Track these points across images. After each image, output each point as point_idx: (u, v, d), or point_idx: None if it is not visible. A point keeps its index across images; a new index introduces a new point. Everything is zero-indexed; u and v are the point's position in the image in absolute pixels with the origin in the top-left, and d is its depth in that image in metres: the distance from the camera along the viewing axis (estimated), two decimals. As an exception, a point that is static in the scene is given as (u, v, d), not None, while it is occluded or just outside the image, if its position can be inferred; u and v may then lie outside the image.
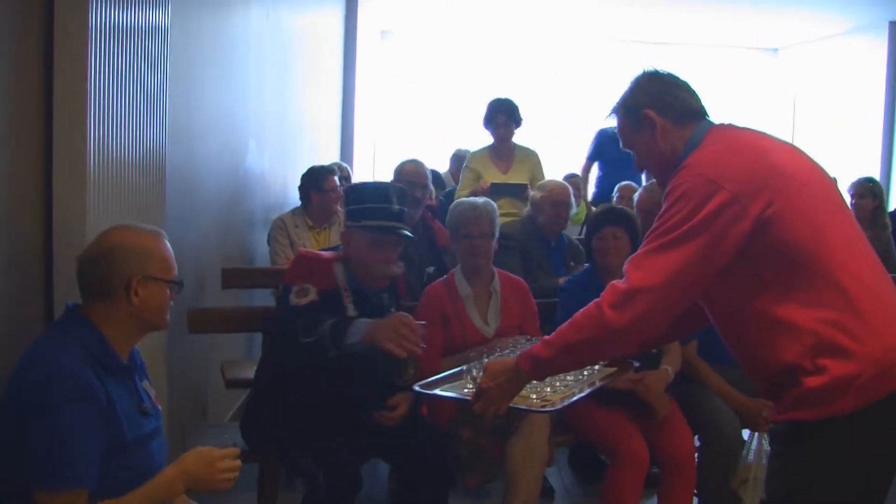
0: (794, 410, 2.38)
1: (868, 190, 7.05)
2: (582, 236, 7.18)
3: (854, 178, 7.32)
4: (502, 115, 6.89)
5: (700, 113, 2.75)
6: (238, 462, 2.63)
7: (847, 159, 12.13)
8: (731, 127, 2.73)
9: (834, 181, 2.68)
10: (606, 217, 4.53)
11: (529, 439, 4.01)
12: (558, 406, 3.14)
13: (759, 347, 2.49)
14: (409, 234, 3.88)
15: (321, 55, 10.07)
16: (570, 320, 2.63)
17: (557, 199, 5.62)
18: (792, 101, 15.29)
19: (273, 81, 7.13)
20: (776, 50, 16.27)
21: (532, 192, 5.83)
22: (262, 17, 6.64)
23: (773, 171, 2.46)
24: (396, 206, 3.78)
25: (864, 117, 12.70)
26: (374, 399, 3.86)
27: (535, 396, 3.15)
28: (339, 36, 11.37)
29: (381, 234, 3.74)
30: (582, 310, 2.60)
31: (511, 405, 2.88)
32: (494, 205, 4.56)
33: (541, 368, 2.73)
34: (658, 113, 2.72)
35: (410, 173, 5.28)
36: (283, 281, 3.81)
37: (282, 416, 3.71)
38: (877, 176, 8.96)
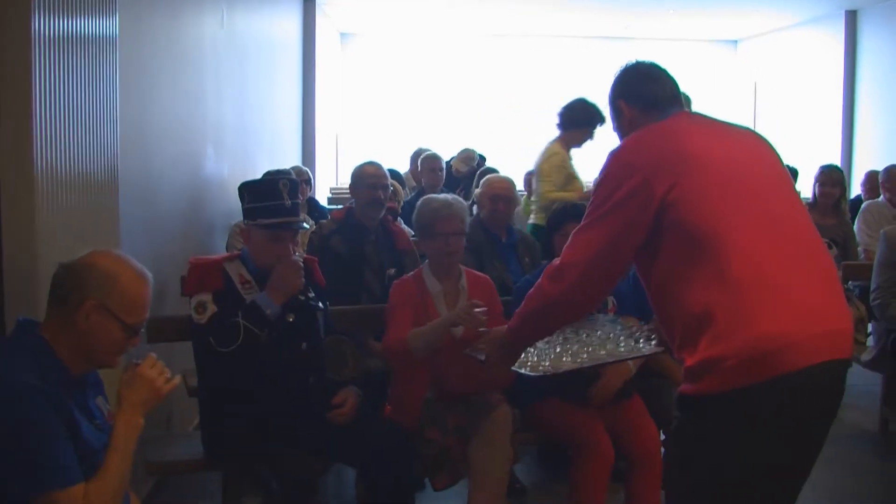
0: (684, 383, 2.53)
1: (834, 178, 7.06)
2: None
3: (815, 166, 7.35)
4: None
5: (668, 102, 2.88)
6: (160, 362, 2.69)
7: (807, 147, 12.24)
8: (687, 115, 2.88)
9: (784, 170, 2.78)
10: (568, 213, 4.47)
11: (493, 439, 4.00)
12: (551, 370, 3.43)
13: (664, 321, 2.70)
14: (304, 226, 4.06)
15: (279, 59, 10.03)
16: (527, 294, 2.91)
17: (495, 193, 5.57)
18: (752, 91, 15.40)
19: (231, 86, 7.08)
20: (736, 42, 16.40)
21: (476, 191, 5.82)
22: (217, 22, 6.59)
23: (682, 158, 2.58)
24: (289, 201, 3.86)
25: (823, 106, 12.82)
26: (319, 400, 3.88)
27: (547, 363, 3.46)
28: (297, 39, 11.33)
29: (276, 230, 3.85)
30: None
31: (514, 368, 3.29)
32: (464, 202, 4.53)
33: (515, 336, 3.05)
34: (627, 102, 2.93)
35: (371, 175, 5.25)
36: (183, 292, 3.93)
37: (234, 425, 3.72)
38: (837, 163, 9.00)
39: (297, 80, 11.30)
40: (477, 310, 3.90)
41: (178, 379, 2.72)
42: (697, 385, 2.47)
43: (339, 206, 8.68)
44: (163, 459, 3.96)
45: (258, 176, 6.35)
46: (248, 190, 3.98)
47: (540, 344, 3.49)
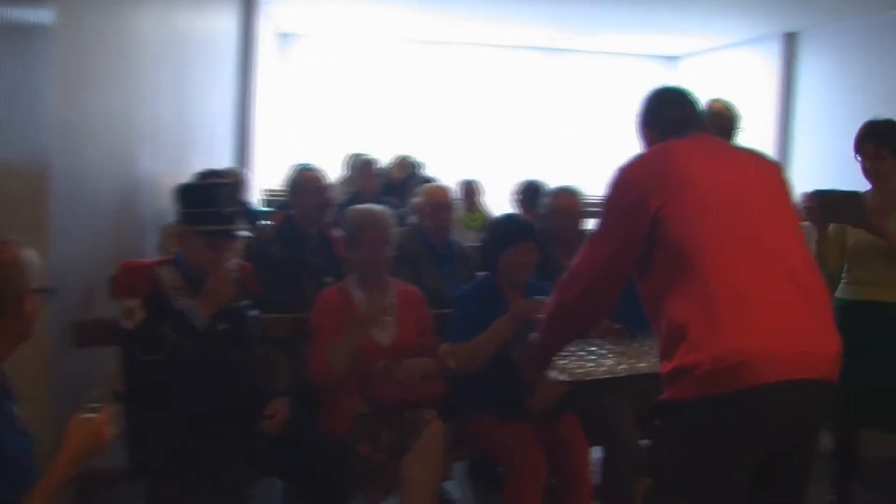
0: (665, 390, 2.64)
1: None
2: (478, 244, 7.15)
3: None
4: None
5: (684, 125, 3.03)
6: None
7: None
8: (696, 138, 2.98)
9: (784, 194, 2.90)
10: (525, 230, 4.43)
11: (424, 455, 3.95)
12: (583, 377, 3.52)
13: (655, 332, 2.79)
14: (242, 234, 4.04)
15: (218, 57, 9.89)
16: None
17: (437, 201, 5.54)
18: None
19: (169, 84, 6.94)
20: (676, 59, 16.53)
21: (414, 199, 5.74)
22: (157, 18, 6.46)
23: (674, 177, 2.74)
24: (227, 209, 3.81)
25: (759, 127, 12.95)
26: (249, 410, 3.82)
27: (582, 371, 3.55)
28: (237, 38, 11.18)
29: (213, 238, 3.78)
30: None
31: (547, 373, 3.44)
32: (391, 211, 4.48)
33: (543, 341, 3.23)
34: (648, 127, 3.16)
35: (314, 180, 5.16)
36: (111, 294, 3.85)
37: (161, 433, 3.65)
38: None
39: (235, 80, 11.13)
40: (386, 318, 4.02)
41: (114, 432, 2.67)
42: (671, 391, 2.61)
43: (274, 209, 8.60)
44: (83, 468, 3.81)
45: (193, 176, 6.21)
46: (186, 194, 3.89)
47: (580, 353, 3.67)
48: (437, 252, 5.49)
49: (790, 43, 12.79)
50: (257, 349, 3.96)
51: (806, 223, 7.05)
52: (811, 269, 2.74)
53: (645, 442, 4.46)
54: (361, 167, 8.26)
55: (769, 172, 2.94)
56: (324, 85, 15.83)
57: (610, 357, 3.68)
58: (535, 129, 16.35)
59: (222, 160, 9.73)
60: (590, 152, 16.11)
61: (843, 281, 4.71)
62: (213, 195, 3.80)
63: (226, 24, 10.43)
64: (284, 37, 15.59)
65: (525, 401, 4.17)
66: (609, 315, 3.29)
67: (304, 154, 11.33)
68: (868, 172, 4.59)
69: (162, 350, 3.53)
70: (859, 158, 4.59)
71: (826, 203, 4.43)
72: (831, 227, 4.64)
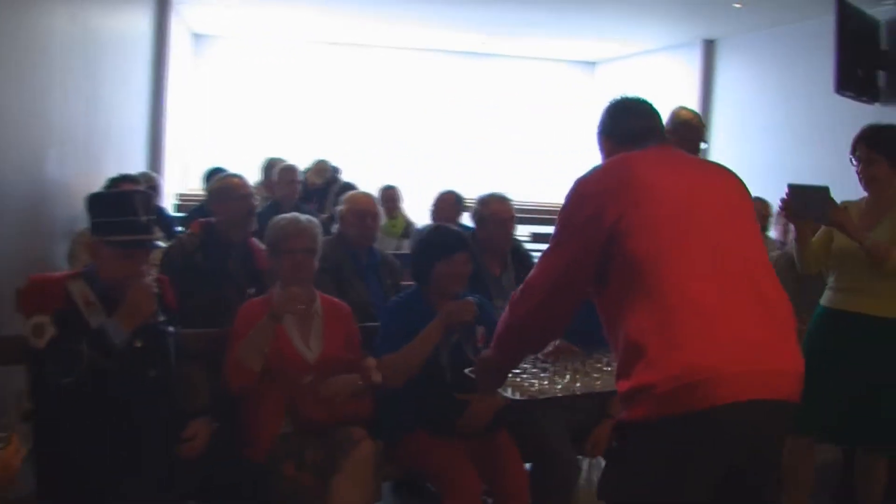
0: (622, 410, 2.58)
1: None
2: (399, 251, 6.99)
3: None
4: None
5: (643, 135, 2.94)
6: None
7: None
8: (654, 149, 2.89)
9: (746, 207, 2.84)
10: (458, 240, 4.27)
11: (354, 475, 3.77)
12: (540, 395, 3.39)
13: (613, 350, 2.71)
14: (159, 244, 3.82)
15: (131, 58, 9.66)
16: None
17: (362, 209, 5.36)
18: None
19: (79, 86, 6.72)
20: (594, 64, 16.59)
21: (337, 208, 5.55)
22: (68, 18, 6.22)
23: (632, 189, 2.64)
24: (143, 217, 3.57)
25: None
26: (168, 432, 3.63)
27: (536, 388, 3.41)
28: (149, 38, 10.91)
29: (129, 248, 3.56)
30: None
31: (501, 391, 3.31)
32: (317, 220, 4.30)
33: (496, 358, 3.10)
34: (606, 137, 3.07)
35: (240, 187, 4.96)
36: (19, 310, 3.58)
37: (73, 457, 3.43)
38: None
39: (147, 81, 10.88)
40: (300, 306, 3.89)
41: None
42: (628, 412, 2.53)
43: (187, 215, 8.36)
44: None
45: (104, 181, 5.98)
46: (99, 202, 3.66)
47: (534, 369, 3.52)
48: (361, 262, 5.31)
49: (709, 50, 12.89)
50: (176, 368, 3.74)
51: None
52: (774, 283, 2.67)
53: (580, 457, 4.38)
54: (282, 173, 8.01)
55: (730, 184, 2.87)
56: (239, 87, 15.59)
57: (566, 374, 3.55)
58: (455, 134, 16.29)
59: (134, 164, 9.53)
60: (511, 156, 16.10)
61: (827, 287, 4.57)
62: (128, 203, 3.57)
63: (138, 24, 10.19)
64: (198, 38, 15.31)
65: (457, 419, 4.03)
66: (564, 332, 3.17)
67: (218, 158, 11.09)
68: (861, 176, 4.40)
69: (78, 370, 3.30)
70: (854, 162, 4.41)
71: (795, 197, 4.27)
72: (821, 227, 4.52)
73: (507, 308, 2.94)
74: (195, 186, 12.67)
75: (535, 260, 5.54)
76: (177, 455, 3.59)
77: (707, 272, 2.54)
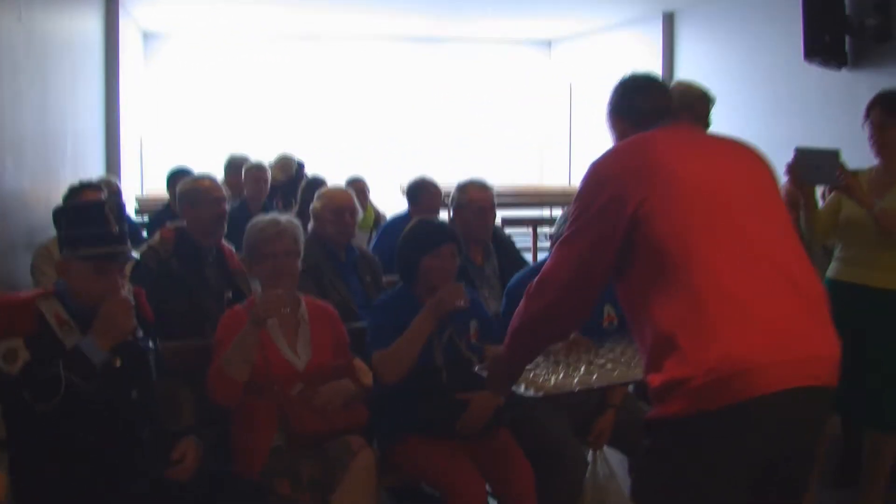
0: (654, 406, 2.46)
1: None
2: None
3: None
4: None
5: (657, 114, 2.84)
6: None
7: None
8: (671, 129, 2.79)
9: (773, 188, 2.70)
10: (444, 233, 4.11)
11: (356, 488, 3.60)
12: (555, 391, 3.26)
13: (637, 341, 2.62)
14: (134, 255, 3.57)
15: (80, 59, 9.38)
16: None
17: (338, 206, 5.14)
18: (568, 93, 15.49)
19: (30, 91, 6.46)
20: (550, 43, 16.45)
21: (312, 205, 5.32)
22: (14, 19, 5.96)
23: (654, 171, 2.52)
24: (116, 227, 3.34)
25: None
26: (154, 455, 3.40)
27: (552, 383, 3.27)
28: (99, 38, 10.64)
29: (103, 262, 3.32)
30: None
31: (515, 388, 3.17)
32: (297, 221, 4.10)
33: (509, 355, 2.92)
34: (619, 117, 2.95)
35: (211, 190, 4.75)
36: None
37: (54, 488, 3.23)
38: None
39: (99, 83, 10.60)
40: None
41: None
42: (662, 408, 2.42)
43: (149, 220, 8.12)
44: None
45: (62, 189, 5.75)
46: (67, 215, 3.42)
47: (548, 363, 3.42)
48: (339, 261, 5.09)
49: (670, 23, 12.71)
50: (157, 386, 3.52)
51: None
52: (805, 267, 2.54)
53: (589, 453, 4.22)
54: (249, 172, 7.77)
55: (753, 162, 2.74)
56: (193, 85, 15.30)
57: (580, 367, 3.42)
58: (414, 122, 16.11)
59: (91, 169, 9.29)
60: (470, 142, 15.95)
61: (834, 258, 4.42)
62: (97, 213, 3.34)
63: (87, 25, 9.93)
64: (149, 37, 14.99)
65: (456, 420, 3.85)
66: (583, 324, 2.99)
67: (177, 158, 10.80)
68: (873, 142, 4.27)
69: (57, 395, 3.06)
70: (867, 128, 4.27)
71: (802, 161, 4.11)
72: (831, 195, 4.36)
73: (520, 304, 2.79)
74: (153, 188, 12.40)
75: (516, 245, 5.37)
76: (165, 479, 3.38)
77: (737, 258, 2.43)
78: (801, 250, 2.59)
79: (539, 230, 11.01)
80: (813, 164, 4.09)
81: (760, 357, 2.31)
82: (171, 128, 15.03)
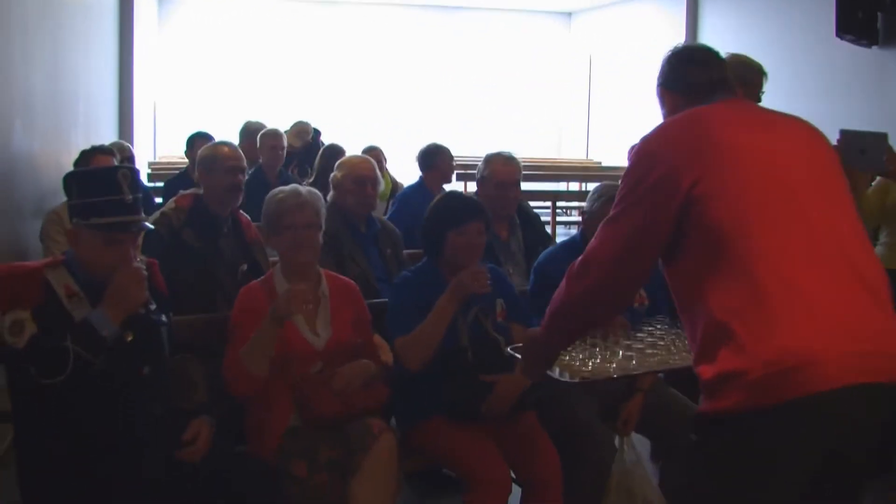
0: (704, 400, 2.35)
1: None
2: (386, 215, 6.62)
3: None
4: None
5: (711, 88, 2.70)
6: None
7: (644, 123, 12.15)
8: (728, 103, 2.66)
9: (836, 170, 2.55)
10: (472, 208, 3.95)
11: (377, 472, 3.44)
12: (591, 377, 3.14)
13: (687, 327, 2.50)
14: (148, 225, 3.38)
15: (95, 23, 9.28)
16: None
17: (360, 175, 5.00)
18: (588, 64, 15.36)
19: (42, 54, 6.36)
20: (570, 14, 16.29)
21: (332, 174, 5.16)
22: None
23: (710, 149, 2.41)
24: (129, 196, 3.18)
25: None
26: (165, 434, 3.27)
27: (589, 369, 3.15)
28: (113, 1, 10.51)
29: (115, 232, 3.17)
30: None
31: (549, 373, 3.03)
32: (319, 193, 3.93)
33: (546, 338, 2.81)
34: (668, 89, 2.81)
35: (228, 157, 4.60)
36: None
37: (60, 466, 3.10)
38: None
39: (112, 45, 10.52)
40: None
41: None
42: (715, 402, 2.30)
43: (160, 184, 8.00)
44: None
45: (73, 153, 5.64)
46: (78, 181, 3.25)
47: (584, 346, 3.26)
48: (360, 232, 4.94)
49: (693, -3, 12.47)
50: (170, 362, 3.38)
51: None
52: (869, 255, 2.41)
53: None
54: (265, 139, 7.62)
55: (814, 141, 2.59)
56: (207, 50, 15.19)
57: (618, 350, 3.28)
58: (431, 91, 15.96)
59: (103, 134, 9.23)
60: (488, 113, 15.80)
61: (878, 243, 4.25)
62: (111, 180, 3.18)
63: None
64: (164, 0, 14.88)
65: (481, 402, 3.69)
66: (626, 309, 2.83)
67: (190, 123, 10.68)
68: None
69: (66, 369, 2.93)
70: None
71: (848, 144, 3.92)
72: (877, 179, 4.18)
73: (561, 285, 2.65)
74: (166, 154, 12.29)
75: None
76: (177, 459, 3.25)
77: (798, 244, 2.31)
78: (865, 236, 2.45)
79: (557, 204, 10.84)
80: (858, 148, 3.90)
81: (823, 350, 2.17)
82: (185, 92, 14.92)
